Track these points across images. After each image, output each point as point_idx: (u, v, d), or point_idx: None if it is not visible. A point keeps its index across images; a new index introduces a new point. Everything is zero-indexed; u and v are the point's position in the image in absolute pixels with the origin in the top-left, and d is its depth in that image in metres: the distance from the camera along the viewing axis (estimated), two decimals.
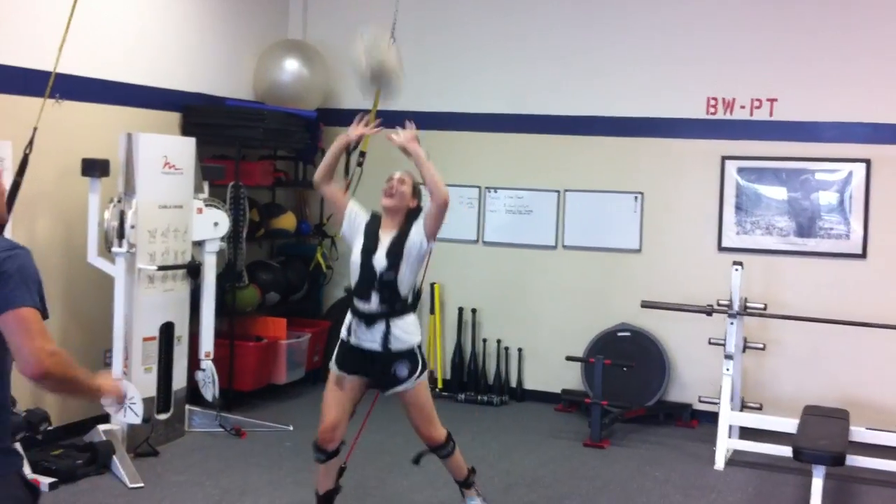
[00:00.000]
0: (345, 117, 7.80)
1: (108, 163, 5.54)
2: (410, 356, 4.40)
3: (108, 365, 5.78)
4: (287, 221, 7.46)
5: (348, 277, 4.53)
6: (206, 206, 6.13)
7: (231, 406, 6.53)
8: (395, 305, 4.37)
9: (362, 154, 7.31)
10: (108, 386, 2.72)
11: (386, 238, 4.41)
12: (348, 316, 4.47)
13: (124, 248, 5.52)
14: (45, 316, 2.54)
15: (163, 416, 5.94)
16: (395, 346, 4.36)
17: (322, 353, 7.60)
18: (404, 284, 4.38)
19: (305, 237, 7.81)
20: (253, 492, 5.20)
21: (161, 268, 5.76)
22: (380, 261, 4.35)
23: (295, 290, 7.57)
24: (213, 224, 6.14)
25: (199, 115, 6.83)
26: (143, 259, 5.66)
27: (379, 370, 4.39)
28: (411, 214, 4.45)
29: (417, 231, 4.40)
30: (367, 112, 4.55)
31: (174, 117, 6.74)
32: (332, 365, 4.49)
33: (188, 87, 6.87)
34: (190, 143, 6.10)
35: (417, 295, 4.49)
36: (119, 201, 5.62)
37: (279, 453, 5.89)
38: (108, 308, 5.61)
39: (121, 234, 5.53)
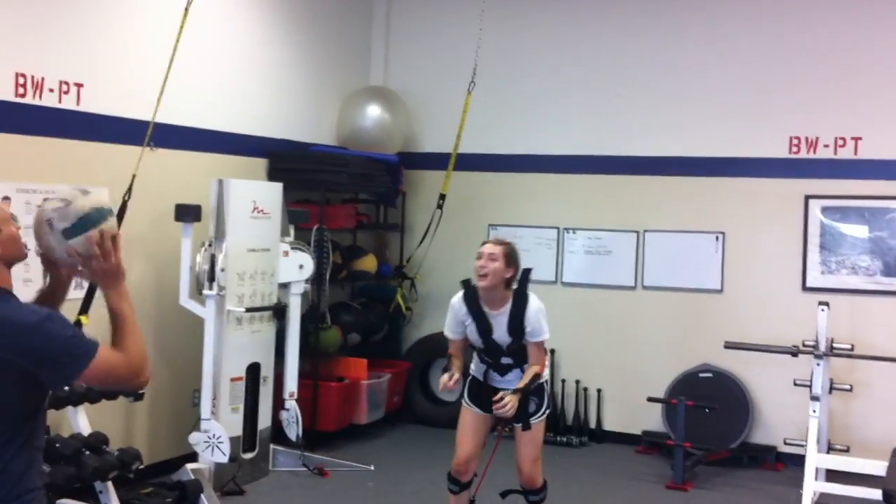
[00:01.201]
0: (425, 161, 8.06)
1: (200, 208, 5.71)
2: (540, 392, 4.61)
3: (196, 405, 5.93)
4: (368, 263, 7.58)
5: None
6: (292, 249, 6.28)
7: (314, 445, 6.62)
8: (526, 359, 4.60)
9: (442, 196, 7.46)
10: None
11: (499, 317, 4.55)
12: (476, 359, 4.70)
13: (215, 291, 5.68)
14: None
15: (248, 456, 6.06)
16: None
17: (402, 393, 7.68)
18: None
19: (386, 279, 7.91)
20: None
21: (249, 310, 5.91)
22: (503, 338, 4.55)
23: (375, 331, 7.66)
24: (298, 267, 6.29)
25: (284, 160, 7.01)
26: (232, 301, 5.82)
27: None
28: (510, 283, 4.57)
29: (533, 322, 4.51)
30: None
31: (261, 163, 6.93)
32: (466, 400, 4.68)
33: (274, 134, 7.07)
34: (277, 188, 6.28)
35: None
36: (210, 245, 5.79)
37: (362, 494, 5.95)
38: (197, 349, 5.76)
39: (211, 277, 5.69)
